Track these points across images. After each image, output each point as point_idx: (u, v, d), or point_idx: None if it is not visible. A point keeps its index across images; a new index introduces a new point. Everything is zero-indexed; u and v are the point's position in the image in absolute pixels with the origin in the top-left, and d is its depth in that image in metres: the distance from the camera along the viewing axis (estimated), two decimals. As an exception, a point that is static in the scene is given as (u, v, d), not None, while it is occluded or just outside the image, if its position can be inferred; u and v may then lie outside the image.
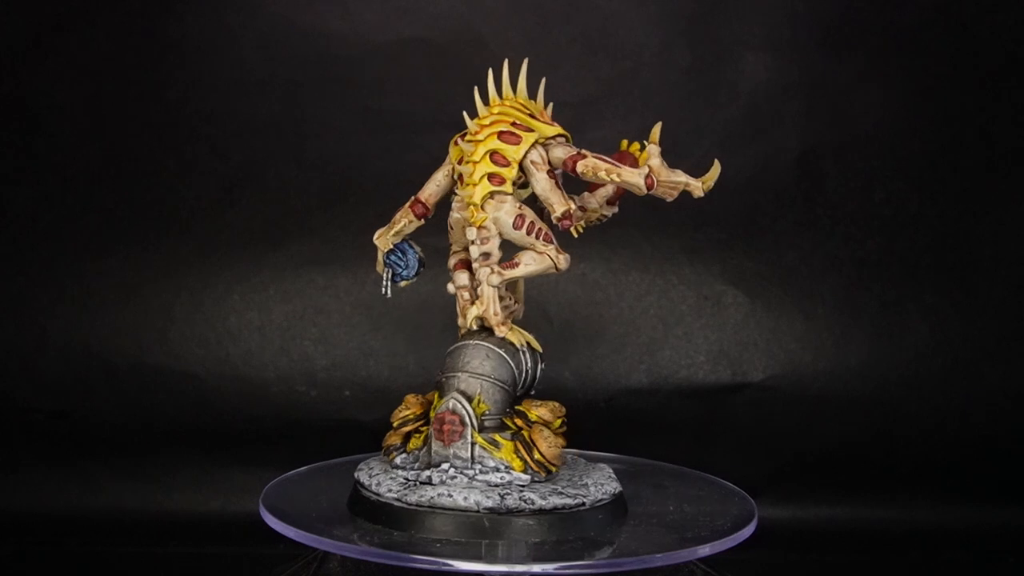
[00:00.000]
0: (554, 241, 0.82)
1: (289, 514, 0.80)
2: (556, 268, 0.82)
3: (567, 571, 0.72)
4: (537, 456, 0.79)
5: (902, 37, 1.31)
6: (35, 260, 1.31)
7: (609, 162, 0.81)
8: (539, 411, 0.81)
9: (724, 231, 1.33)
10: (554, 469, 0.80)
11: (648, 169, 0.80)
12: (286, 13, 1.30)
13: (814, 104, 1.32)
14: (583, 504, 0.78)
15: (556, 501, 0.77)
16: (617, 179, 0.80)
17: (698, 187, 0.80)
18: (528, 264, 0.81)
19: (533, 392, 0.85)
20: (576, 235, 0.82)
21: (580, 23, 1.31)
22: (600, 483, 0.81)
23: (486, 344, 0.82)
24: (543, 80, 0.84)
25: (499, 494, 0.77)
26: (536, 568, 0.72)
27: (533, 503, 0.77)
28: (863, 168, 1.33)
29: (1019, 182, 1.33)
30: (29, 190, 1.32)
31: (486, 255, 0.82)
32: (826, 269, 1.33)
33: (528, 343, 0.84)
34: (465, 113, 0.83)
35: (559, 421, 0.81)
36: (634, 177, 0.80)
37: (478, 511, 0.77)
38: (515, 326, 0.84)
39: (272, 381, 1.31)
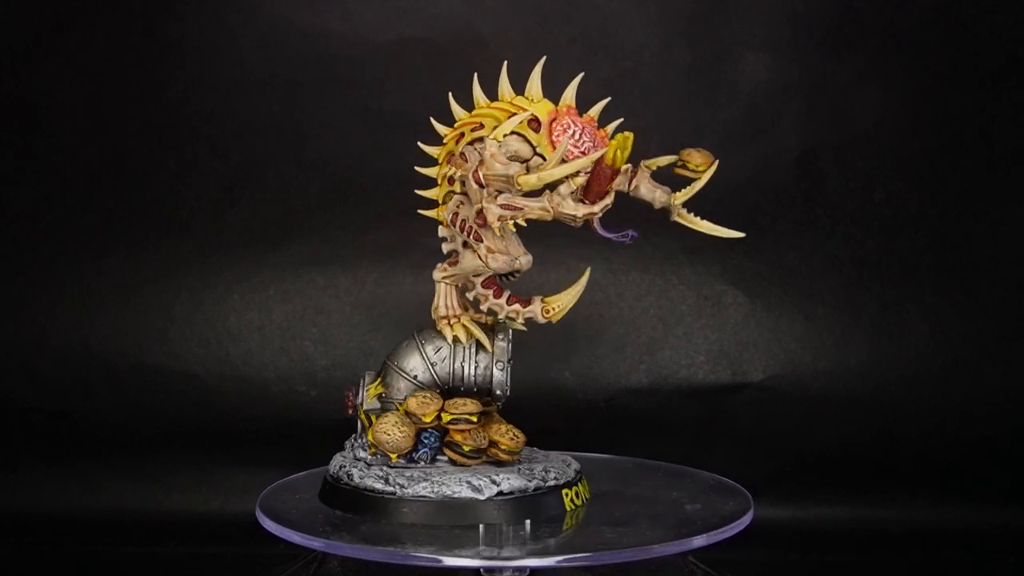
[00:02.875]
0: (484, 240, 0.81)
1: (285, 516, 0.81)
2: (487, 267, 0.82)
3: (567, 564, 0.73)
4: (370, 438, 0.83)
5: (902, 37, 1.31)
6: (35, 260, 1.31)
7: (465, 157, 0.81)
8: (409, 401, 0.83)
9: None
10: (392, 456, 0.82)
11: (477, 163, 0.80)
12: (286, 13, 1.30)
13: (814, 104, 1.32)
14: (393, 494, 0.80)
15: (368, 483, 0.81)
16: (460, 174, 0.81)
17: (523, 180, 0.79)
18: (461, 261, 0.84)
19: (499, 392, 0.84)
20: (497, 232, 0.81)
21: (580, 23, 1.31)
22: (446, 484, 0.80)
23: (414, 336, 0.86)
24: (577, 79, 0.83)
25: (340, 465, 0.84)
26: (533, 562, 0.74)
27: (351, 478, 0.82)
28: (863, 168, 1.33)
29: (1019, 182, 1.33)
30: (29, 190, 1.32)
31: (454, 252, 0.85)
32: (826, 269, 1.33)
33: (478, 341, 0.84)
34: (432, 119, 0.83)
35: (449, 417, 0.82)
36: (466, 172, 0.80)
37: (327, 477, 0.85)
38: (469, 324, 0.84)
39: (272, 381, 1.31)
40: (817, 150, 1.33)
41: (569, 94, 0.83)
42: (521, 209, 0.80)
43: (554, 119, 0.82)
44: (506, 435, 0.83)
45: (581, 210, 0.80)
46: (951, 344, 1.32)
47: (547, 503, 0.81)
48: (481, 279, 0.84)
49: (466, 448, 0.82)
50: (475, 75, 0.83)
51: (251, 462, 1.27)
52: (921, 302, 1.33)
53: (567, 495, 0.82)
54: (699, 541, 0.76)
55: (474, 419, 0.83)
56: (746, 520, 0.80)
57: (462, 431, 0.82)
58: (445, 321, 0.85)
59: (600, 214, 0.81)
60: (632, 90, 1.31)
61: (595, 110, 0.83)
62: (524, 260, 0.83)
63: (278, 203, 1.33)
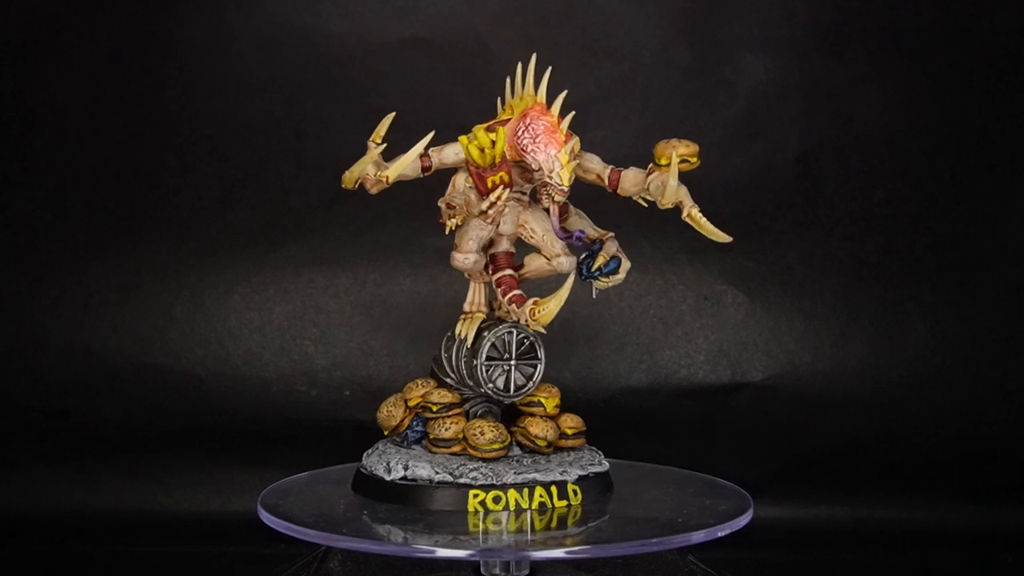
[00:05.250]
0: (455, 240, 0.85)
1: (285, 512, 0.82)
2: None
3: (569, 557, 0.75)
4: None
5: (902, 37, 1.31)
6: (35, 260, 1.31)
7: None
8: (412, 385, 0.89)
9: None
10: (385, 432, 0.90)
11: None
12: (286, 13, 1.30)
13: (814, 104, 1.32)
14: (361, 463, 0.87)
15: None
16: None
17: (344, 177, 0.84)
18: None
19: (483, 390, 0.86)
20: (447, 231, 0.84)
21: (580, 23, 1.31)
22: (376, 462, 0.86)
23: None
24: (546, 75, 0.83)
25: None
26: (534, 555, 0.75)
27: (376, 455, 0.87)
28: (863, 168, 1.33)
29: (1019, 182, 1.33)
30: (29, 190, 1.32)
31: None
32: (826, 269, 1.33)
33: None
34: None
35: (422, 404, 0.88)
36: None
37: None
38: (472, 321, 0.87)
39: (272, 381, 1.31)
40: (817, 150, 1.33)
41: (541, 91, 0.83)
42: (454, 208, 0.83)
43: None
44: (472, 430, 0.84)
45: (477, 207, 0.82)
46: (951, 344, 1.32)
47: (441, 497, 0.82)
48: (495, 277, 0.85)
49: (431, 435, 0.86)
50: (507, 78, 0.84)
51: (251, 462, 1.27)
52: (921, 302, 1.33)
53: (476, 496, 0.81)
54: (698, 537, 0.77)
55: (433, 408, 0.86)
56: (746, 518, 0.81)
57: (429, 419, 0.86)
58: (462, 316, 0.88)
59: (489, 210, 0.82)
60: (632, 90, 1.31)
61: (555, 107, 0.82)
62: (557, 262, 0.85)
63: (278, 203, 1.33)
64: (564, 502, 0.82)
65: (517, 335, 0.85)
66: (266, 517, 0.81)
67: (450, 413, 0.86)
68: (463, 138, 0.82)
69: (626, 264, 0.86)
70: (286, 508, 0.83)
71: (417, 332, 1.31)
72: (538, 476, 0.83)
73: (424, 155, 0.84)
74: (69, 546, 1.22)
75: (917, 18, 1.31)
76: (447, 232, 0.84)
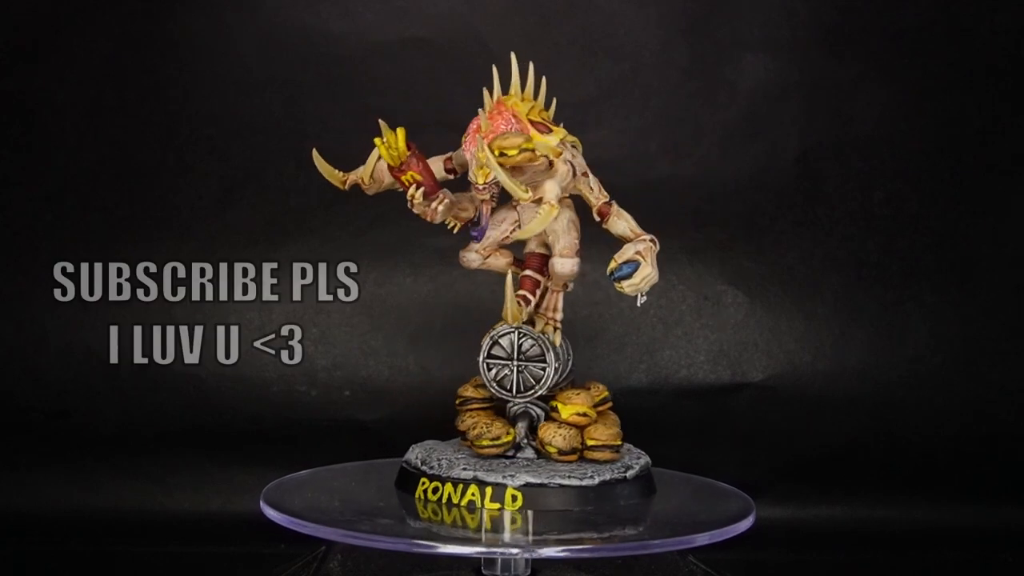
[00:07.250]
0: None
1: (288, 508, 0.82)
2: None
3: (568, 555, 0.75)
4: None
5: (902, 37, 1.31)
6: (35, 260, 1.31)
7: None
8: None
9: (724, 231, 1.33)
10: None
11: None
12: (286, 13, 1.30)
13: (814, 104, 1.32)
14: (404, 460, 0.88)
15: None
16: None
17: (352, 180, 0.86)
18: None
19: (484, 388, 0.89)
20: (454, 231, 0.85)
21: (580, 23, 1.31)
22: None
23: None
24: (494, 72, 0.84)
25: None
26: (537, 552, 0.75)
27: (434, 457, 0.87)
28: (863, 168, 1.33)
29: (1019, 182, 1.33)
30: (29, 190, 1.32)
31: None
32: (826, 269, 1.33)
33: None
34: None
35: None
36: None
37: None
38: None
39: (272, 381, 1.31)
40: (817, 150, 1.33)
41: (495, 91, 0.83)
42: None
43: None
44: (474, 423, 0.86)
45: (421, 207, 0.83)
46: (951, 344, 1.32)
47: (407, 481, 0.86)
48: (520, 276, 0.86)
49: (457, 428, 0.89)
50: (543, 78, 0.83)
51: (251, 462, 1.27)
52: (921, 302, 1.33)
53: (423, 484, 0.84)
54: (702, 539, 0.77)
55: (455, 402, 0.89)
56: (748, 522, 0.81)
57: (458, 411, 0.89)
58: None
59: (412, 205, 0.81)
60: (632, 90, 1.31)
61: (485, 106, 0.81)
62: (552, 262, 0.84)
63: (278, 203, 1.32)
64: (496, 504, 0.81)
65: (521, 337, 0.86)
66: (269, 512, 0.81)
67: (467, 407, 0.87)
68: (377, 139, 0.81)
69: (646, 271, 0.78)
70: (288, 504, 0.83)
71: (417, 332, 1.31)
72: (479, 475, 0.83)
73: (447, 158, 0.85)
74: (69, 546, 1.22)
75: (917, 18, 1.31)
76: (454, 232, 0.84)
